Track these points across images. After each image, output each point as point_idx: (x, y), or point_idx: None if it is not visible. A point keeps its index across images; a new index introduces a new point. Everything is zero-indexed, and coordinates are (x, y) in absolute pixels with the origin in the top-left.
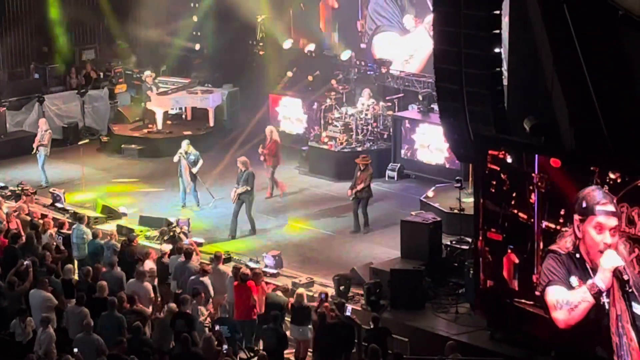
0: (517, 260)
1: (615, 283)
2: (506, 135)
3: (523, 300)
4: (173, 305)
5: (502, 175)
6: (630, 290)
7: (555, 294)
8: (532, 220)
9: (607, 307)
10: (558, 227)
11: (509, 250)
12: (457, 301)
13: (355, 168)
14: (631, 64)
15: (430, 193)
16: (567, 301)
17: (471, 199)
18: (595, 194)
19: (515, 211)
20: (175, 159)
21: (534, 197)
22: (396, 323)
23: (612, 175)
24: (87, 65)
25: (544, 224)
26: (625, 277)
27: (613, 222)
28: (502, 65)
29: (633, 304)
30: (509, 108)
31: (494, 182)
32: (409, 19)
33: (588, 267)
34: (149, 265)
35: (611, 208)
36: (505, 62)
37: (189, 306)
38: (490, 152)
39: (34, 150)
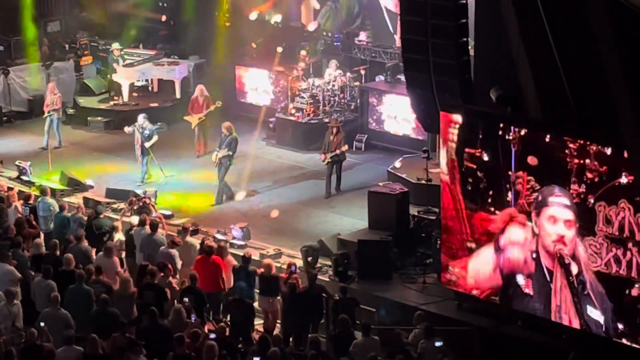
0: None
1: (558, 270)
2: (473, 105)
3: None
4: (126, 275)
5: (478, 174)
6: (585, 293)
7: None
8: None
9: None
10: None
11: None
12: (425, 271)
13: (327, 132)
14: (597, 33)
15: (397, 164)
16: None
17: (438, 170)
18: (551, 188)
19: (492, 209)
20: (129, 130)
21: (510, 196)
22: (364, 294)
23: (589, 175)
24: (45, 41)
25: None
26: (573, 270)
27: (567, 214)
28: (468, 36)
29: (588, 307)
30: (475, 78)
31: (471, 180)
32: None
33: (544, 266)
34: (118, 237)
35: (565, 201)
36: (471, 32)
37: (158, 278)
38: (466, 150)
39: (45, 114)
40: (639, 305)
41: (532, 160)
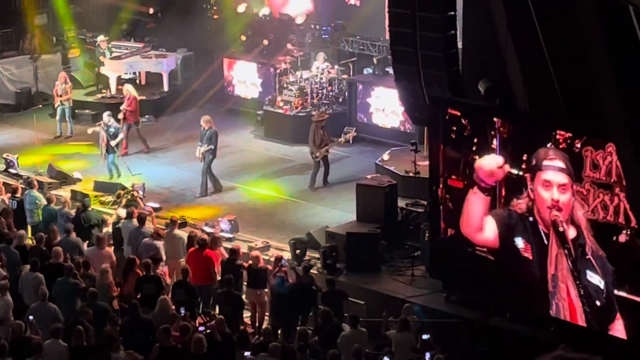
0: None
1: (553, 239)
2: (460, 97)
3: (485, 249)
4: (104, 265)
5: (462, 121)
6: (586, 257)
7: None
8: None
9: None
10: (521, 174)
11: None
12: (413, 264)
13: (315, 127)
14: (585, 26)
15: (385, 156)
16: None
17: (426, 162)
18: (545, 150)
19: (477, 157)
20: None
21: (495, 143)
22: (352, 286)
23: None
24: (37, 34)
25: (506, 170)
26: (570, 235)
27: (562, 178)
28: (456, 28)
29: (588, 272)
30: (464, 71)
31: (455, 128)
32: None
33: (541, 229)
34: (106, 231)
35: (559, 164)
36: (459, 25)
37: (153, 270)
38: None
39: (57, 104)
40: (626, 252)
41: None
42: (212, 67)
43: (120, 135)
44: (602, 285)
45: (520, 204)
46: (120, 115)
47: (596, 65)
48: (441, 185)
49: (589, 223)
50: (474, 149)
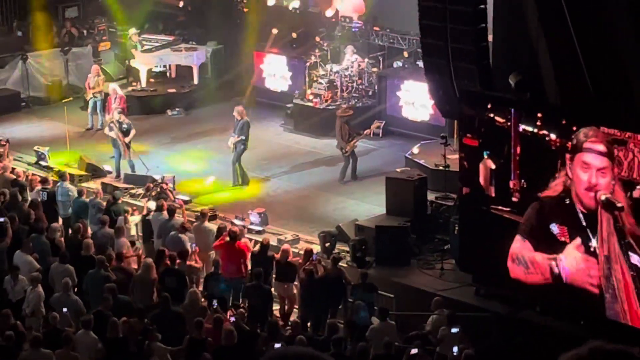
0: (493, 166)
1: (604, 220)
2: (491, 91)
3: (500, 207)
4: (149, 260)
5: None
6: (626, 241)
7: (518, 245)
8: (509, 124)
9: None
10: (535, 131)
11: (486, 156)
12: (443, 257)
13: (340, 122)
14: (615, 18)
15: (415, 150)
16: (525, 261)
17: (456, 156)
18: (586, 130)
19: (492, 115)
20: (107, 130)
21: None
22: (382, 279)
23: None
24: (68, 24)
25: (521, 127)
26: (616, 209)
27: (601, 162)
28: (487, 21)
29: (630, 254)
30: (494, 64)
31: None
32: None
33: (579, 210)
34: (135, 221)
35: (600, 147)
36: (490, 18)
37: (179, 263)
38: None
39: (89, 96)
40: None
41: None
42: (242, 60)
43: (133, 132)
44: None
45: (556, 185)
46: (110, 117)
47: (628, 58)
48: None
49: (631, 202)
50: (489, 106)
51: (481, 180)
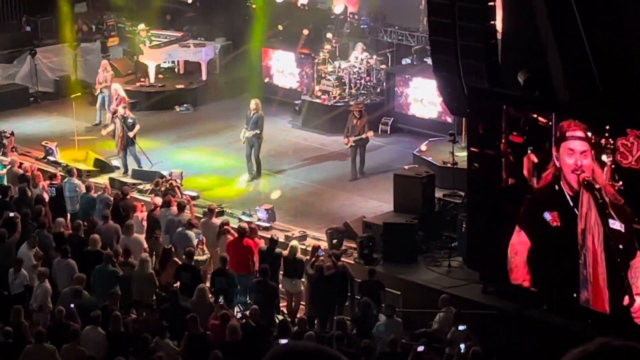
0: (536, 160)
1: (585, 195)
2: (499, 88)
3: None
4: (144, 255)
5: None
6: (607, 211)
7: (515, 237)
8: (550, 123)
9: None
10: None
11: (529, 152)
12: (450, 255)
13: (349, 116)
14: (625, 15)
15: (423, 147)
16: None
17: (464, 153)
18: (566, 123)
19: (535, 115)
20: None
21: None
22: (389, 276)
23: None
24: (78, 20)
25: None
26: (595, 190)
27: (582, 145)
28: (495, 19)
29: (610, 220)
30: (503, 61)
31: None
32: None
33: (566, 194)
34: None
35: (579, 133)
36: (499, 15)
37: (193, 259)
38: None
39: (97, 92)
40: None
41: None
42: (250, 57)
43: (137, 127)
44: (622, 228)
45: (547, 175)
46: (109, 117)
47: (637, 54)
48: (503, 140)
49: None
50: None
51: (525, 172)
